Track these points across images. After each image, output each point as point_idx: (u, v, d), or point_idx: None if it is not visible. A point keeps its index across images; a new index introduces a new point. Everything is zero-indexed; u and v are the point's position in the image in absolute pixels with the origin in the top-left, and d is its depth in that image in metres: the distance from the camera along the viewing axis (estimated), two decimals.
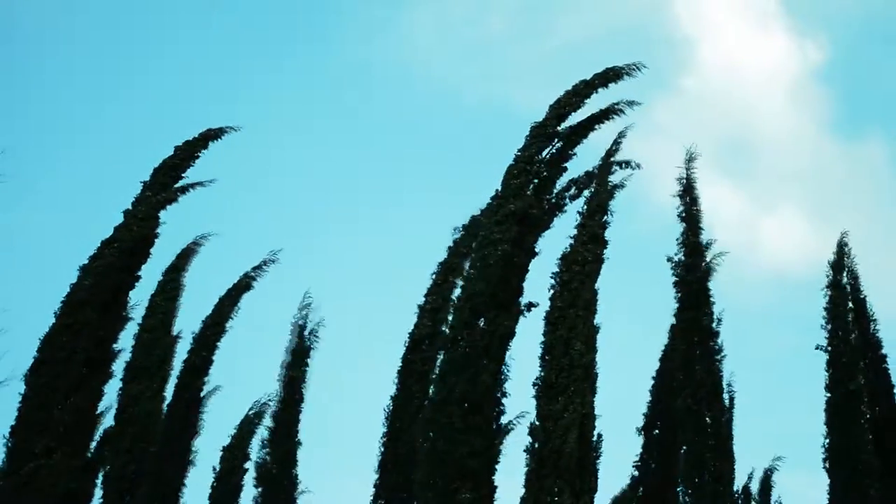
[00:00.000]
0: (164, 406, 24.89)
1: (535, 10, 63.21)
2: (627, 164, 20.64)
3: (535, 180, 20.17)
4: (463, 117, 57.31)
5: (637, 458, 23.63)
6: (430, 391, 20.07)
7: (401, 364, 23.53)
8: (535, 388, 19.23)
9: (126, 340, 23.39)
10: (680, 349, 21.77)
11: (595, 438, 19.56)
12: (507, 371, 19.79)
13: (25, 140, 51.25)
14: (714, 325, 21.69)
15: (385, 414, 23.21)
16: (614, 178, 20.55)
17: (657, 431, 23.65)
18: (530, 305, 19.81)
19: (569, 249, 19.87)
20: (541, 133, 20.25)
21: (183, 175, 23.26)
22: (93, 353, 21.16)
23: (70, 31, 58.63)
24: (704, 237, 22.39)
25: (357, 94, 59.97)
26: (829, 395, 23.32)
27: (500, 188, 20.24)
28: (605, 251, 19.85)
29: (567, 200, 20.49)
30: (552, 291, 19.65)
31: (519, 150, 20.29)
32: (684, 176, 22.78)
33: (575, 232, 19.97)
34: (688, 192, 22.72)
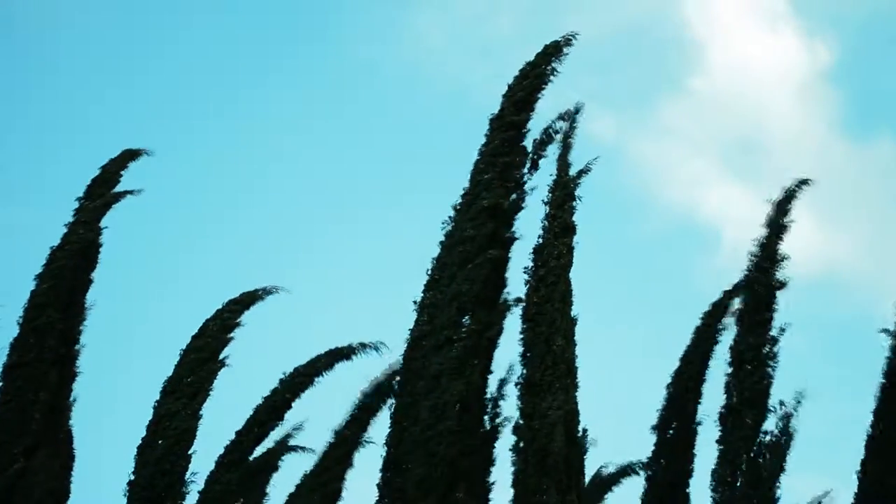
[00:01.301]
0: (198, 425, 25.35)
1: (544, 10, 62.61)
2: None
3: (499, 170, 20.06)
4: (470, 117, 56.96)
5: (649, 457, 23.95)
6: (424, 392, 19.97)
7: (402, 362, 23.50)
8: (518, 386, 19.26)
9: (86, 338, 23.88)
10: (736, 349, 22.42)
11: (580, 434, 19.60)
12: (512, 371, 19.89)
13: (24, 136, 52.88)
14: (777, 333, 22.41)
15: (389, 412, 23.23)
16: (579, 164, 20.38)
17: (671, 431, 23.78)
18: (518, 300, 19.71)
19: (540, 242, 19.81)
20: (501, 124, 20.21)
21: (114, 190, 24.51)
22: (60, 352, 22.29)
23: (69, 28, 60.28)
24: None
25: (364, 94, 59.60)
26: (883, 381, 22.99)
27: (468, 185, 20.21)
28: (575, 238, 19.80)
29: (527, 176, 20.29)
30: (528, 287, 19.60)
31: (483, 145, 20.28)
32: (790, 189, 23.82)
33: (545, 223, 19.92)
34: (784, 204, 23.65)
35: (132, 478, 23.97)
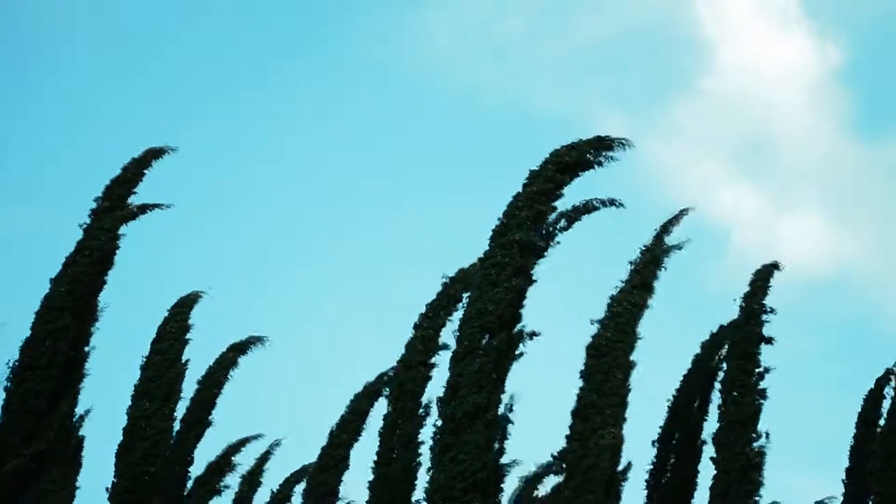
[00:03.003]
0: (175, 425, 25.87)
1: (553, 11, 64.05)
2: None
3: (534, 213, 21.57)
4: (481, 118, 57.52)
5: (650, 469, 25.60)
6: (437, 404, 20.83)
7: (393, 385, 24.85)
8: (573, 413, 21.33)
9: (96, 340, 23.84)
10: (729, 375, 24.50)
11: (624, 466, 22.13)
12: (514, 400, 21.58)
13: (23, 135, 51.25)
14: (762, 370, 24.57)
15: (378, 433, 24.11)
16: (670, 239, 23.71)
17: (674, 441, 25.56)
18: (532, 334, 21.00)
19: (619, 291, 22.56)
20: (541, 175, 21.56)
21: (135, 191, 24.29)
22: (70, 355, 22.29)
23: (75, 27, 59.11)
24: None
25: (374, 94, 60.75)
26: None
27: (502, 217, 21.45)
28: (650, 299, 22.73)
29: (558, 231, 21.73)
30: (599, 326, 22.12)
31: (522, 188, 21.61)
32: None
33: (629, 276, 22.83)
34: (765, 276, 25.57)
35: (114, 481, 24.25)
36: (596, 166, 21.71)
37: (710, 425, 24.98)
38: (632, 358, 22.01)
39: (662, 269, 23.20)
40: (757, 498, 23.22)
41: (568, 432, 21.13)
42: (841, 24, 65.88)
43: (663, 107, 64.85)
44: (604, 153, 21.65)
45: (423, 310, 25.03)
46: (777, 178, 62.86)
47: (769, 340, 25.05)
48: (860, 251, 60.06)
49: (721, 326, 26.58)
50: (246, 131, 57.87)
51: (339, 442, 26.82)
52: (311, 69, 60.48)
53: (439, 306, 24.87)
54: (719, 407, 24.60)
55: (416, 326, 24.91)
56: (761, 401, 24.30)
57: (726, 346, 25.57)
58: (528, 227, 21.08)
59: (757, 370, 24.57)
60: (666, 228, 23.90)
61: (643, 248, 23.24)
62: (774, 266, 26.01)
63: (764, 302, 25.27)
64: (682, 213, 24.18)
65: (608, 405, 20.94)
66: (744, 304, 25.32)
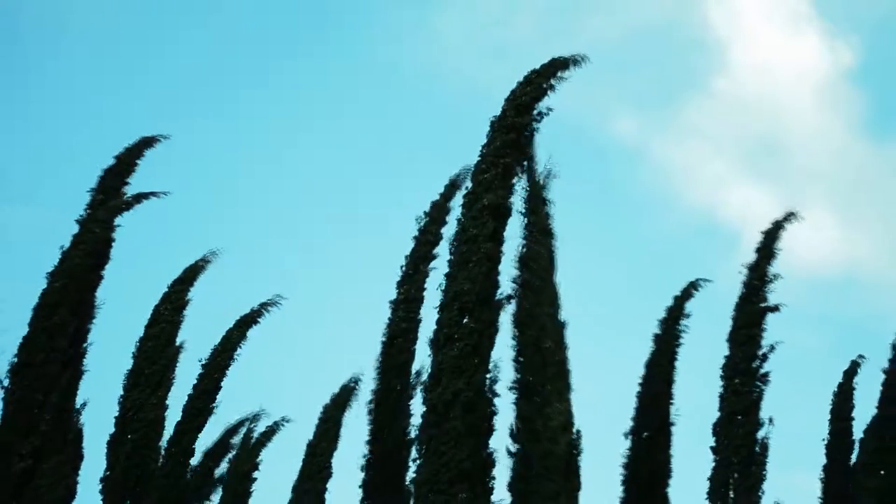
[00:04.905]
0: (165, 414, 25.25)
1: (564, 11, 63.42)
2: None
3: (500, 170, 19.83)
4: (488, 118, 56.77)
5: (626, 461, 24.26)
6: (420, 391, 20.26)
7: (380, 359, 23.62)
8: (513, 390, 19.20)
9: (94, 336, 23.18)
10: (731, 361, 23.73)
11: (574, 436, 19.24)
12: (498, 370, 19.58)
13: (23, 134, 51.32)
14: (766, 350, 23.69)
15: (368, 411, 23.46)
16: (541, 167, 19.96)
17: (646, 434, 24.20)
18: (509, 297, 19.51)
19: (524, 249, 19.54)
20: (502, 126, 19.96)
21: (128, 181, 23.73)
22: (68, 352, 21.83)
23: (75, 27, 59.16)
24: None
25: (382, 94, 60.30)
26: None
27: (469, 185, 20.03)
28: (556, 242, 19.58)
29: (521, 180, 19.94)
30: (515, 293, 19.39)
31: (483, 147, 20.06)
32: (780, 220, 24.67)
33: (525, 231, 19.57)
34: (773, 233, 24.57)
35: (106, 473, 24.09)
36: (549, 93, 19.85)
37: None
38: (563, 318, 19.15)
39: (551, 205, 19.66)
40: (760, 494, 22.58)
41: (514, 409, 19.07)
42: (852, 25, 65.09)
43: (675, 107, 64.27)
44: (558, 76, 19.86)
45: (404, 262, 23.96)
46: (788, 177, 61.25)
47: (775, 308, 23.96)
48: (870, 250, 59.07)
49: (676, 297, 24.94)
50: (252, 131, 58.02)
51: (320, 451, 26.38)
52: (320, 69, 60.82)
53: (419, 258, 23.75)
54: (720, 395, 23.67)
55: (399, 284, 23.83)
56: (763, 387, 23.35)
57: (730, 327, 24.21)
58: (496, 187, 19.48)
59: (759, 353, 23.54)
60: (530, 160, 20.05)
61: (525, 197, 19.57)
62: (786, 219, 24.77)
63: (767, 271, 23.99)
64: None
65: (547, 379, 18.61)
66: (746, 279, 24.09)
